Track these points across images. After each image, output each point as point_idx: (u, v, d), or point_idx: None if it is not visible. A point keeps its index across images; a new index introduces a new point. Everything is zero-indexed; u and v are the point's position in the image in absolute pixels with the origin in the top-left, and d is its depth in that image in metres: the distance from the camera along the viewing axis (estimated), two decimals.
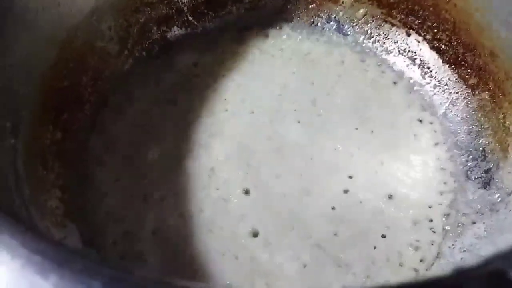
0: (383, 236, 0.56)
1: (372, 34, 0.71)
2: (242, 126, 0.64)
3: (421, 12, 0.67)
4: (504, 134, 0.58)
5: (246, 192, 0.58)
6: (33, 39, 0.52)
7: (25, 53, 0.51)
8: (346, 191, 0.59)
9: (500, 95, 0.59)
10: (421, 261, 0.55)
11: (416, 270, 0.54)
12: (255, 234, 0.56)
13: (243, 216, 0.57)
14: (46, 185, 0.54)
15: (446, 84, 0.66)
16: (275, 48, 0.71)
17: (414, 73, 0.68)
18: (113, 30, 0.65)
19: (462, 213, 0.57)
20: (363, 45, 0.71)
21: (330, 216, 0.57)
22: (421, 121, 0.64)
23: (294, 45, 0.72)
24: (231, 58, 0.70)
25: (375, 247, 0.55)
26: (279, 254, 0.54)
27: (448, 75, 0.66)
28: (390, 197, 0.58)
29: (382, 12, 0.70)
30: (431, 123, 0.64)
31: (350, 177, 0.60)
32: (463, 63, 0.64)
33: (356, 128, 0.64)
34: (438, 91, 0.66)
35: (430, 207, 0.58)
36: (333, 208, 0.58)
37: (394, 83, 0.68)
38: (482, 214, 0.56)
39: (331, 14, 0.72)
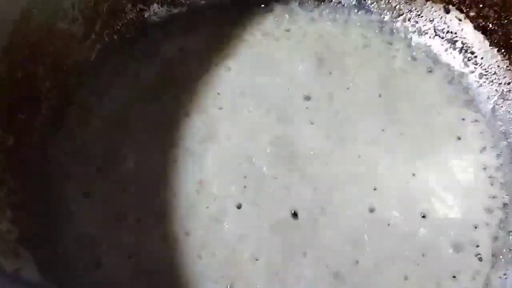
0: (417, 264, 0.56)
1: (402, 11, 0.71)
2: (240, 128, 0.64)
3: None
4: None
5: (243, 209, 0.59)
6: None
7: None
8: (371, 210, 0.59)
9: None
10: None
11: None
12: (256, 259, 0.56)
13: (240, 238, 0.57)
14: None
15: (495, 73, 0.66)
16: (280, 29, 0.72)
17: (455, 59, 0.69)
18: (77, 9, 0.65)
19: None
20: (390, 24, 0.72)
21: (350, 239, 0.57)
22: (463, 119, 0.65)
23: (304, 25, 0.72)
24: (225, 42, 0.70)
25: (406, 278, 0.55)
26: (286, 286, 0.55)
27: (497, 61, 0.66)
28: (424, 216, 0.59)
29: None
30: (476, 121, 0.64)
31: (375, 190, 0.60)
32: None
33: (383, 130, 0.64)
34: (484, 82, 0.66)
35: (475, 227, 0.58)
36: (354, 229, 0.58)
37: (429, 71, 0.68)
38: None
39: None
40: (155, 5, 0.72)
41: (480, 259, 0.57)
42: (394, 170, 0.62)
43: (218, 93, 0.67)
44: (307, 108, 0.66)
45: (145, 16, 0.72)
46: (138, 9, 0.71)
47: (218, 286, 0.54)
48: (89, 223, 0.58)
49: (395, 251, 0.57)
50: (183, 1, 0.73)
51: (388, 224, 0.58)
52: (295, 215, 0.59)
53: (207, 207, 0.59)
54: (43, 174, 0.60)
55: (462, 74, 0.68)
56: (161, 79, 0.68)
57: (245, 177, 0.61)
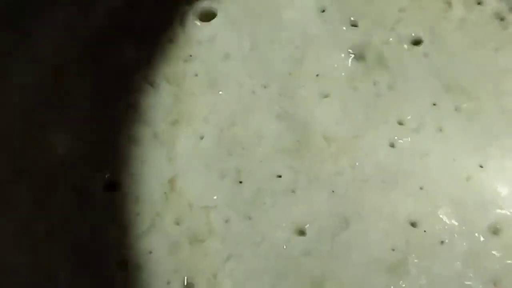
0: None
1: None
2: (226, 104, 0.68)
3: None
4: None
5: (230, 224, 0.63)
6: None
7: None
8: (413, 222, 0.62)
9: None
10: None
11: None
12: None
13: (222, 265, 0.61)
14: None
15: None
16: None
17: None
18: None
19: None
20: None
21: (386, 263, 0.60)
22: None
23: None
24: None
25: None
26: None
27: None
28: (494, 230, 0.62)
29: None
30: None
31: (421, 190, 0.63)
32: None
33: (434, 104, 0.67)
34: None
35: None
36: (393, 250, 0.61)
37: (501, 20, 0.71)
38: None
39: None
40: None
41: None
42: (450, 162, 0.64)
43: (190, 55, 0.70)
44: (317, 75, 0.69)
45: None
46: None
47: None
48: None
49: (451, 282, 0.60)
50: None
51: (442, 242, 0.61)
52: (302, 232, 0.62)
53: (177, 222, 0.63)
54: None
55: None
56: (106, 31, 0.71)
57: (234, 176, 0.64)
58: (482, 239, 0.61)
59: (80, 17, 0.72)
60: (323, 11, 0.73)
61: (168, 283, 0.60)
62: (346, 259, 0.61)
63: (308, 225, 0.62)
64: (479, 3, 0.72)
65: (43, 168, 0.64)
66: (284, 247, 0.61)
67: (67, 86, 0.69)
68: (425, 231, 0.62)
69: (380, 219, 0.63)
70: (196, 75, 0.70)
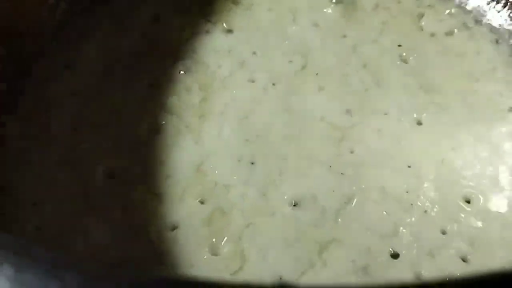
0: (464, 260, 0.58)
1: None
2: (241, 102, 0.66)
3: None
4: None
5: (245, 196, 0.60)
6: None
7: None
8: (401, 195, 0.60)
9: None
10: None
11: None
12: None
13: (241, 233, 0.59)
14: None
15: None
16: None
17: (499, 14, 0.70)
18: None
19: None
20: None
21: (381, 230, 0.59)
22: None
23: None
24: (214, 1, 0.72)
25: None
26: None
27: None
28: (467, 200, 0.60)
29: None
30: None
31: (409, 167, 0.62)
32: None
33: (412, 96, 0.66)
34: None
35: None
36: (390, 214, 0.59)
37: (468, 31, 0.70)
38: None
39: None
40: None
41: None
42: (429, 147, 0.63)
43: (207, 62, 0.69)
44: (317, 74, 0.68)
45: None
46: None
47: None
48: (50, 222, 0.59)
49: (435, 245, 0.58)
50: None
51: (425, 212, 0.59)
52: (308, 205, 0.60)
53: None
54: None
55: (508, 32, 0.69)
56: (138, 47, 0.69)
57: (249, 159, 0.62)
58: (457, 207, 0.60)
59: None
60: (317, 25, 0.71)
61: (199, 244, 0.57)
62: (347, 227, 0.58)
63: (311, 200, 0.60)
64: (448, 14, 0.70)
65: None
66: (294, 218, 0.59)
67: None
68: (411, 204, 0.60)
69: (375, 193, 0.61)
70: (216, 78, 0.67)
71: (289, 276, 0.55)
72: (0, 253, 0.25)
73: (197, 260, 0.56)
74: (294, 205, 0.59)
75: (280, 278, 0.55)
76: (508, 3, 0.70)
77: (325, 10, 0.72)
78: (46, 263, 0.24)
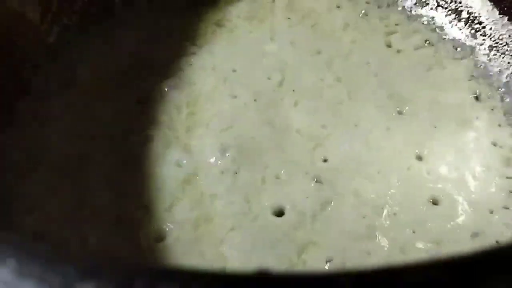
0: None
1: None
2: (224, 115, 0.67)
3: None
4: None
5: (231, 203, 0.61)
6: None
7: None
8: (374, 200, 0.61)
9: None
10: None
11: None
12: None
13: (231, 233, 0.60)
14: None
15: (506, 44, 0.69)
16: (264, 6, 0.75)
17: (460, 31, 0.72)
18: None
19: None
20: None
21: (356, 233, 0.59)
22: (473, 96, 0.68)
23: (290, 0, 0.76)
24: (200, 23, 0.74)
25: None
26: None
27: (508, 31, 0.69)
28: (434, 202, 0.61)
29: None
30: (488, 98, 0.67)
31: (378, 173, 0.63)
32: None
33: (382, 108, 0.67)
34: (495, 55, 0.70)
35: (491, 212, 0.61)
36: (364, 217, 0.60)
37: (432, 46, 0.72)
38: None
39: None
40: None
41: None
42: (398, 153, 0.64)
43: (194, 83, 0.70)
44: (293, 91, 0.69)
45: None
46: None
47: None
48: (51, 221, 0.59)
49: (405, 243, 0.59)
50: None
51: (394, 214, 0.60)
52: (287, 210, 0.61)
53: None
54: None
55: (470, 48, 0.71)
56: (127, 65, 0.70)
57: (232, 169, 0.63)
58: (424, 209, 0.61)
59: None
60: (297, 47, 0.72)
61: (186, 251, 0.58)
62: (324, 230, 0.59)
63: (290, 205, 0.61)
64: (414, 32, 0.72)
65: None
66: (274, 222, 0.60)
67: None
68: (382, 207, 0.61)
69: (349, 198, 0.62)
70: (201, 94, 0.68)
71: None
72: (3, 247, 0.26)
73: (182, 264, 0.57)
74: (274, 211, 0.60)
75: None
76: (469, 21, 0.71)
77: (301, 29, 0.73)
78: (47, 256, 0.25)
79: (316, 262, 0.57)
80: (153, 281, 0.25)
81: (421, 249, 0.59)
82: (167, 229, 0.59)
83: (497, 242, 0.59)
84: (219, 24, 0.74)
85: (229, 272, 0.25)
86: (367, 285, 0.25)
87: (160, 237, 0.59)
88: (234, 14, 0.75)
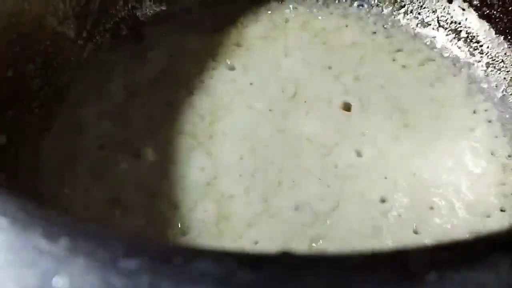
0: None
1: (403, 3, 0.76)
2: (242, 124, 0.68)
3: None
4: None
5: (250, 203, 0.62)
6: None
7: None
8: (383, 199, 0.63)
9: None
10: None
11: None
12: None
13: (249, 229, 0.61)
14: None
15: (502, 61, 0.70)
16: (278, 27, 0.76)
17: (460, 49, 0.73)
18: (68, 5, 0.69)
19: None
20: (392, 17, 0.77)
21: (363, 230, 0.61)
22: (472, 109, 0.69)
23: (302, 20, 0.77)
24: (220, 42, 0.75)
25: None
26: None
27: (503, 49, 0.70)
28: (435, 205, 0.62)
29: None
30: (485, 110, 0.69)
31: (385, 179, 0.64)
32: None
33: (388, 120, 0.68)
34: (492, 71, 0.71)
35: (488, 216, 0.62)
36: (371, 218, 0.61)
37: (434, 63, 0.73)
38: None
39: None
40: (147, 2, 0.76)
41: None
42: (402, 161, 0.65)
43: (214, 92, 0.71)
44: (305, 102, 0.70)
45: (137, 14, 0.76)
46: (130, 7, 0.75)
47: None
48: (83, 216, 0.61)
49: (408, 243, 0.60)
50: (175, 0, 0.78)
51: (399, 215, 0.62)
52: (304, 209, 0.62)
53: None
54: (36, 175, 0.63)
55: (468, 64, 0.72)
56: (156, 78, 0.72)
57: (250, 173, 0.65)
58: (426, 211, 0.62)
59: None
60: (309, 62, 0.73)
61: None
62: (335, 229, 0.61)
63: (304, 206, 0.62)
64: (418, 50, 0.73)
65: None
66: (289, 220, 0.61)
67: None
68: (387, 209, 0.62)
69: (357, 200, 0.63)
70: (221, 104, 0.70)
71: None
72: (56, 226, 0.27)
73: None
74: (289, 210, 0.61)
75: None
76: (468, 40, 0.72)
77: (312, 46, 0.75)
78: (95, 235, 0.27)
79: None
80: (190, 257, 0.26)
81: None
82: (191, 225, 0.61)
83: None
84: (237, 44, 0.75)
85: (256, 252, 0.26)
86: (381, 264, 0.26)
87: (185, 232, 0.60)
88: (251, 35, 0.76)
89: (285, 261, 0.26)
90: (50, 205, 0.61)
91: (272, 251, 0.27)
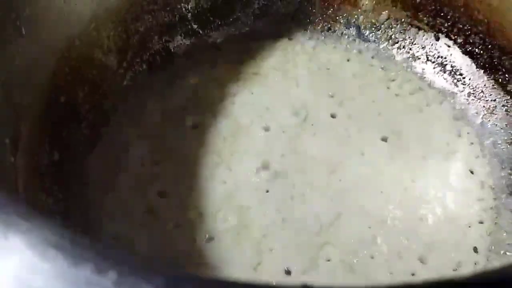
0: (422, 262, 0.59)
1: (397, 39, 0.75)
2: (259, 144, 0.67)
3: (450, 13, 0.71)
4: None
5: (265, 215, 0.61)
6: (32, 47, 0.55)
7: (24, 63, 0.54)
8: (380, 210, 0.62)
9: None
10: None
11: None
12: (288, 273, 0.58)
13: (265, 238, 0.60)
14: (46, 210, 0.56)
15: (482, 92, 0.69)
16: (288, 59, 0.75)
17: (445, 80, 0.72)
18: (112, 40, 0.69)
19: (507, 231, 0.60)
20: (387, 51, 0.75)
21: (361, 237, 0.60)
22: (456, 132, 0.67)
23: (309, 54, 0.76)
24: (241, 71, 0.74)
25: (413, 274, 0.58)
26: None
27: (483, 81, 0.69)
28: (424, 216, 0.61)
29: (407, 15, 0.74)
30: (467, 134, 0.67)
31: (381, 193, 0.63)
32: (499, 67, 0.67)
33: (383, 141, 0.67)
34: (473, 100, 0.69)
35: (469, 226, 0.61)
36: (369, 227, 0.60)
37: (423, 92, 0.71)
38: None
39: (350, 18, 0.77)
40: (179, 37, 0.75)
41: (477, 253, 0.59)
42: (395, 177, 0.64)
43: (235, 115, 0.70)
44: (312, 125, 0.69)
45: (170, 47, 0.75)
46: (163, 41, 0.74)
47: None
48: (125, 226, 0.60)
49: (401, 249, 0.59)
50: (202, 34, 0.77)
51: (394, 225, 0.61)
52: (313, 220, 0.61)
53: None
54: (83, 187, 0.63)
55: (452, 94, 0.71)
56: (185, 103, 0.71)
57: (264, 188, 0.64)
58: (416, 222, 0.62)
59: None
60: (316, 91, 0.73)
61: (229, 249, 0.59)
62: (338, 237, 0.60)
63: (312, 217, 0.61)
64: (409, 80, 0.72)
65: None
66: (299, 229, 0.60)
67: None
68: (383, 220, 0.61)
69: (356, 211, 0.62)
70: (241, 126, 0.69)
71: (296, 267, 0.58)
72: (105, 260, 0.26)
73: (227, 260, 0.58)
74: (300, 220, 0.61)
75: (288, 271, 0.57)
76: (452, 73, 0.71)
77: (318, 76, 0.74)
78: (141, 268, 0.26)
79: (332, 260, 0.58)
80: None
81: (413, 254, 0.59)
82: (215, 232, 0.60)
83: (474, 248, 0.59)
84: (255, 73, 0.74)
85: (276, 285, 0.25)
86: None
87: (210, 238, 0.59)
88: (266, 66, 0.74)
89: None
90: (95, 213, 0.60)
91: (292, 284, 0.26)
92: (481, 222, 0.61)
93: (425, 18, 0.73)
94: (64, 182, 0.60)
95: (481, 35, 0.69)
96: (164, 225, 0.60)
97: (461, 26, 0.71)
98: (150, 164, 0.65)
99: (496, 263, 0.58)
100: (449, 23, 0.72)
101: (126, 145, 0.66)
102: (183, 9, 0.75)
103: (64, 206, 0.59)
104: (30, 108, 0.56)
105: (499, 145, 0.66)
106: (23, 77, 0.54)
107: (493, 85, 0.68)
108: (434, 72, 0.73)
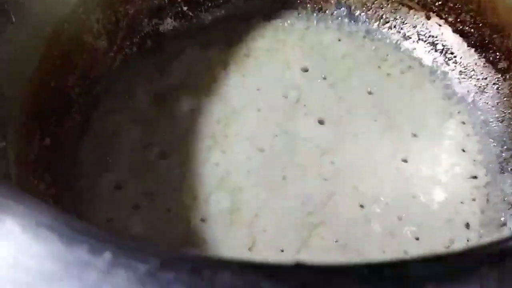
0: (416, 238, 0.59)
1: (388, 19, 0.75)
2: (251, 126, 0.67)
3: None
4: None
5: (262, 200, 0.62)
6: (19, 33, 0.55)
7: (11, 49, 0.54)
8: (372, 190, 0.62)
9: None
10: None
11: None
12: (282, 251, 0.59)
13: (258, 218, 0.60)
14: (38, 195, 0.57)
15: (473, 70, 0.69)
16: (279, 41, 0.75)
17: (436, 60, 0.72)
18: (101, 24, 0.68)
19: (499, 208, 0.61)
20: (378, 31, 0.75)
21: (355, 219, 0.60)
22: (447, 111, 0.68)
23: (300, 35, 0.76)
24: (232, 53, 0.74)
25: (405, 253, 0.59)
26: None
27: (474, 60, 0.70)
28: (415, 195, 0.62)
29: None
30: (458, 113, 0.68)
31: (373, 174, 0.63)
32: (490, 46, 0.68)
33: (375, 120, 0.67)
34: (464, 78, 0.70)
35: (462, 203, 0.62)
36: (361, 206, 0.61)
37: (414, 71, 0.71)
38: None
39: None
40: (169, 19, 0.75)
41: (469, 229, 0.60)
42: (386, 156, 0.65)
43: (227, 97, 0.70)
44: (305, 105, 0.69)
45: (160, 29, 0.74)
46: (153, 23, 0.74)
47: None
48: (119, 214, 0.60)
49: (394, 227, 0.60)
50: (192, 16, 0.76)
51: (386, 203, 0.61)
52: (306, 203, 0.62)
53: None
54: (74, 173, 0.63)
55: (443, 73, 0.71)
56: (176, 84, 0.71)
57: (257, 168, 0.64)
58: (408, 200, 0.62)
59: None
60: (307, 72, 0.72)
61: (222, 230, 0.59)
62: (331, 216, 0.60)
63: (305, 197, 0.62)
64: (400, 60, 0.72)
65: None
66: (291, 209, 0.61)
67: None
68: (376, 199, 0.62)
69: (349, 191, 0.63)
70: (234, 108, 0.69)
71: (289, 247, 0.58)
72: (101, 243, 0.26)
73: (221, 241, 0.58)
74: (292, 201, 0.61)
75: (282, 251, 0.58)
76: (443, 52, 0.71)
77: (310, 58, 0.74)
78: (136, 249, 0.26)
79: (325, 240, 0.59)
80: (216, 269, 0.25)
81: (406, 233, 0.59)
82: (208, 214, 0.60)
83: (467, 224, 0.60)
84: (246, 55, 0.73)
85: (270, 263, 0.25)
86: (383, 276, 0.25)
87: (204, 219, 0.60)
88: (258, 48, 0.74)
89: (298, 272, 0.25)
90: (87, 197, 0.60)
91: (285, 261, 0.26)
92: (473, 200, 0.62)
93: None
94: (56, 167, 0.61)
95: (472, 13, 0.69)
96: (158, 209, 0.61)
97: (452, 4, 0.70)
98: (142, 147, 0.65)
99: (488, 239, 0.58)
100: (440, 2, 0.71)
101: (117, 129, 0.66)
102: None
103: (56, 191, 0.59)
104: (20, 94, 0.56)
105: (490, 123, 0.66)
106: (12, 63, 0.54)
107: (484, 64, 0.69)
108: (425, 51, 0.73)
